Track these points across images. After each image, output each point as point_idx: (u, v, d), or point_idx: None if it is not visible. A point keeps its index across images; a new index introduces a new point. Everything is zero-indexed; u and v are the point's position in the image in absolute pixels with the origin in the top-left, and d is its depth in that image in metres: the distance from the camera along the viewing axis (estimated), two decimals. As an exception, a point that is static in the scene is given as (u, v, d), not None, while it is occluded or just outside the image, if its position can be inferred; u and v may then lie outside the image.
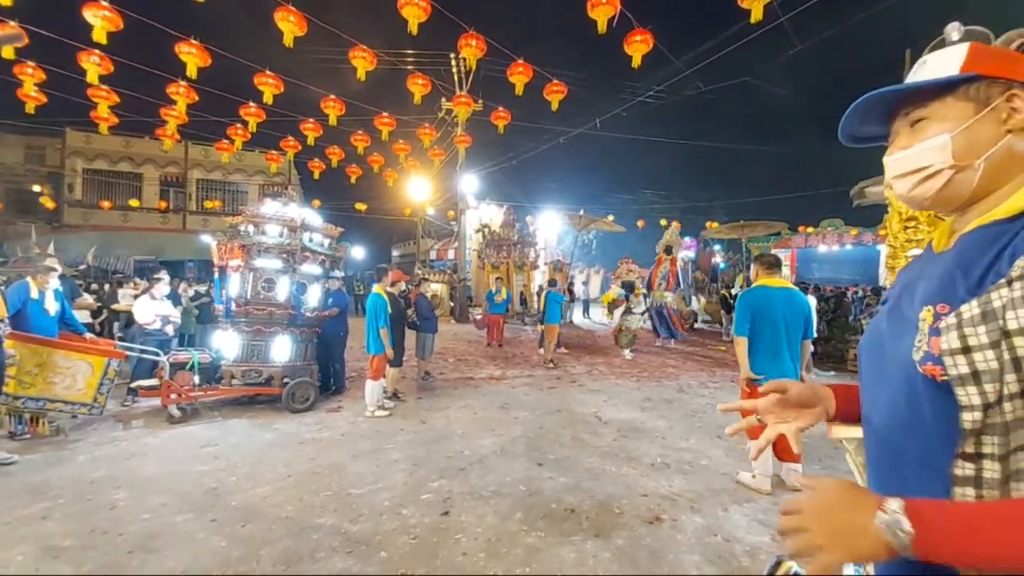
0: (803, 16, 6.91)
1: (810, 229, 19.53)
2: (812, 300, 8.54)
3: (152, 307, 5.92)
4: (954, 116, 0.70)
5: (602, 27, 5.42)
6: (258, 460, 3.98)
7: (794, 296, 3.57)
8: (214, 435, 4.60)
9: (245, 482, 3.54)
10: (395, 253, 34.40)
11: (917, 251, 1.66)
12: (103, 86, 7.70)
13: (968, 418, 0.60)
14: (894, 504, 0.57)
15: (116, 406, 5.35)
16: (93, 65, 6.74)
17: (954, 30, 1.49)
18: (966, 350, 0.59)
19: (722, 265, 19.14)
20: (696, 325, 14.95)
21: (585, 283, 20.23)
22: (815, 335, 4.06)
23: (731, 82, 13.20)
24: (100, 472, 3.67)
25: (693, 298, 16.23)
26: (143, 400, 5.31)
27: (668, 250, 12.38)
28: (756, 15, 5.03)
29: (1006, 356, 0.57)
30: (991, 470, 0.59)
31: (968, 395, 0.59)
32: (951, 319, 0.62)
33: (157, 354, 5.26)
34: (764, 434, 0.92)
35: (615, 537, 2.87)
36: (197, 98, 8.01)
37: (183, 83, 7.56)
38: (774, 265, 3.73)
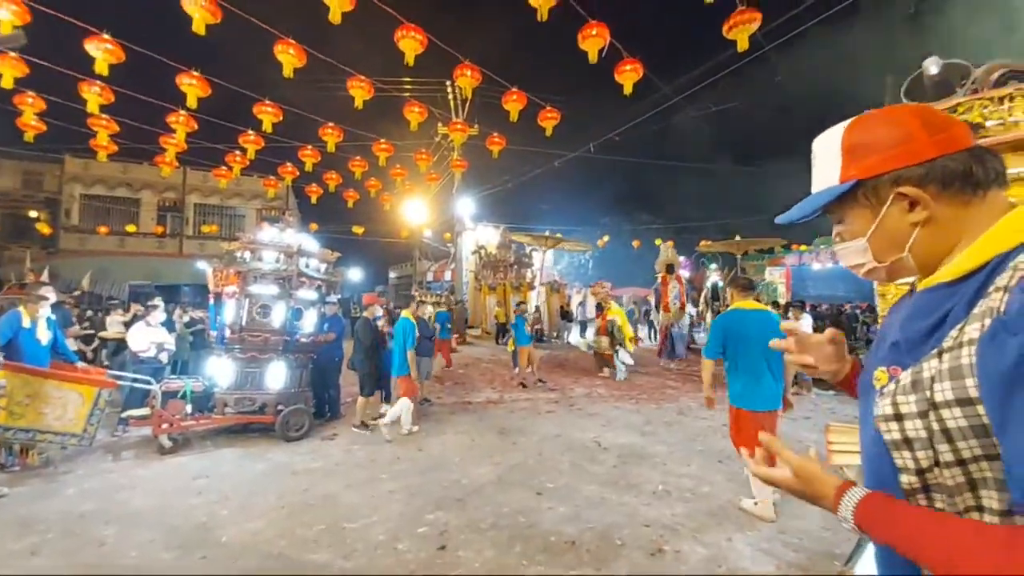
0: (786, 44, 7.17)
1: (804, 247, 19.73)
2: (807, 318, 8.57)
3: (147, 334, 5.87)
4: (859, 222, 0.72)
5: (593, 58, 5.59)
6: (250, 492, 3.88)
7: (768, 318, 3.66)
8: (205, 466, 4.50)
9: (237, 515, 3.44)
10: (392, 275, 34.48)
11: (910, 279, 1.67)
12: (103, 115, 7.82)
13: (904, 479, 0.62)
14: (847, 511, 0.64)
15: (106, 436, 5.24)
16: (94, 95, 6.87)
17: (932, 63, 1.54)
18: (898, 417, 0.61)
19: (720, 283, 19.24)
20: (692, 345, 14.90)
21: (582, 303, 20.23)
22: None
23: (721, 107, 13.55)
24: (89, 505, 3.58)
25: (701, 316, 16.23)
26: (133, 430, 5.21)
27: (670, 269, 12.26)
28: (742, 45, 5.21)
29: (935, 427, 0.57)
30: None
31: (903, 459, 0.61)
32: (891, 385, 0.63)
33: (149, 382, 5.19)
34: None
35: (617, 569, 2.80)
36: (196, 127, 8.15)
37: (183, 112, 7.71)
38: (748, 288, 3.82)
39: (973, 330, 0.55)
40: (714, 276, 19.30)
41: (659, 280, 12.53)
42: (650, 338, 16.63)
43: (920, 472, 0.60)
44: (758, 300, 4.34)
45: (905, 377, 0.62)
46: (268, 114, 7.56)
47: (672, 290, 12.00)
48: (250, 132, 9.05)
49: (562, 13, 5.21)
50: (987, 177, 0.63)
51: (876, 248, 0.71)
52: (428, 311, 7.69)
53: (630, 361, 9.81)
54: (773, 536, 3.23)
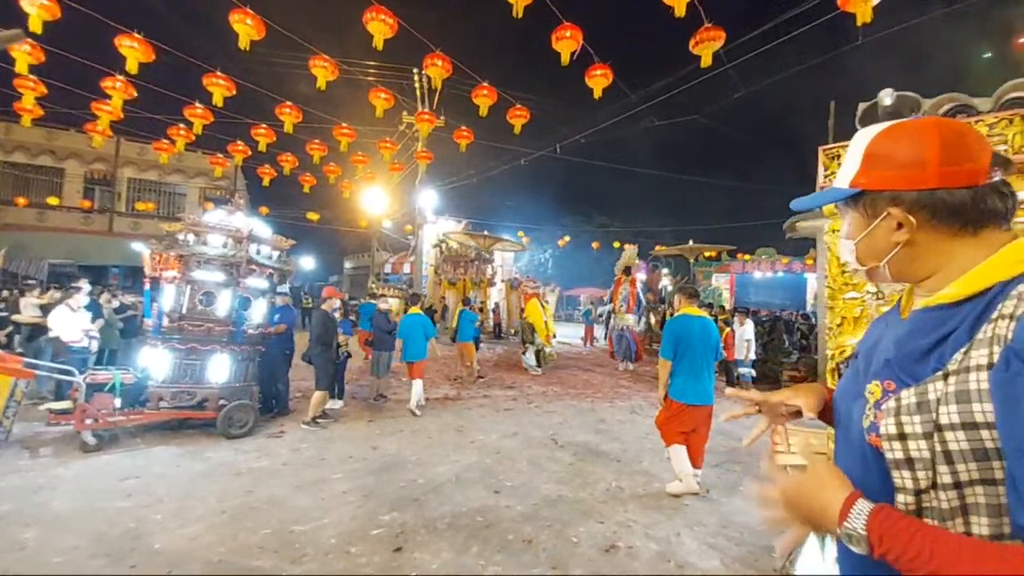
0: (746, 65, 7.55)
1: (747, 256, 20.94)
2: (749, 324, 9.08)
3: (74, 320, 5.32)
4: (855, 225, 0.77)
5: (565, 60, 5.62)
6: (187, 494, 3.61)
7: (708, 324, 4.11)
8: (136, 465, 4.14)
9: (171, 520, 3.19)
10: (347, 265, 33.31)
11: (855, 294, 1.80)
12: (31, 76, 6.98)
13: (901, 500, 0.63)
14: (858, 522, 0.60)
15: (24, 431, 4.70)
16: (23, 54, 6.11)
17: (887, 95, 1.64)
18: (901, 436, 0.61)
19: (670, 288, 20.04)
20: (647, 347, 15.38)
21: (546, 302, 20.37)
22: (722, 356, 4.78)
23: (681, 119, 14.08)
24: (6, 506, 3.24)
25: (642, 319, 16.60)
26: (52, 425, 4.70)
27: (627, 271, 12.33)
28: (706, 61, 5.42)
29: (938, 448, 0.58)
30: None
31: (902, 479, 0.62)
32: (892, 403, 0.64)
33: (71, 373, 4.71)
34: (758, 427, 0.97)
35: (573, 567, 2.84)
36: (136, 94, 7.43)
37: (121, 78, 7.00)
38: (694, 296, 4.29)
39: (980, 356, 0.57)
40: (665, 280, 20.10)
41: (615, 282, 12.67)
42: (605, 338, 17.02)
43: (918, 493, 0.61)
44: (708, 306, 4.70)
45: (908, 397, 0.62)
46: (219, 87, 7.02)
47: (621, 292, 12.01)
48: (197, 105, 8.38)
49: (537, 12, 5.20)
50: (981, 217, 0.66)
51: (860, 253, 0.77)
52: (391, 304, 7.49)
53: (532, 362, 10.09)
54: (718, 531, 3.40)
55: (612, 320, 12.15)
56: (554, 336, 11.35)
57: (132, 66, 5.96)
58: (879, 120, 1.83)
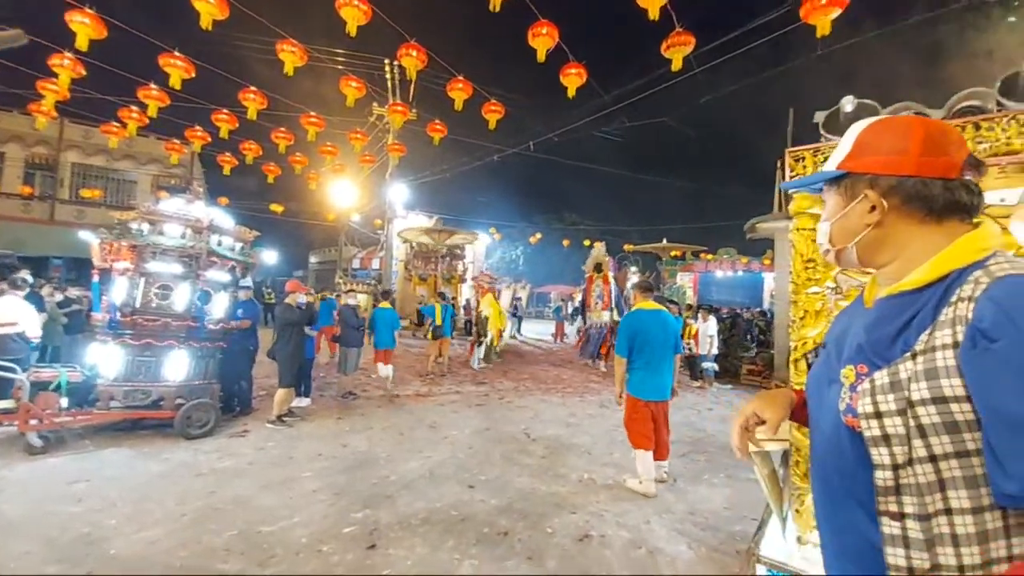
0: (712, 70, 7.81)
1: (710, 256, 21.72)
2: (712, 321, 9.46)
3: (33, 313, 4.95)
4: (833, 206, 0.83)
5: (541, 56, 5.64)
6: (143, 497, 3.43)
7: (665, 317, 4.05)
8: (86, 468, 3.89)
9: (127, 525, 3.02)
10: (313, 259, 32.29)
11: (816, 289, 1.92)
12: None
13: (880, 476, 0.67)
14: None
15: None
16: None
17: (848, 102, 1.75)
18: (878, 415, 0.66)
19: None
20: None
21: (518, 299, 20.34)
22: (683, 350, 4.58)
23: (650, 121, 14.41)
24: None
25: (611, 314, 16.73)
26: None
27: (598, 268, 12.20)
28: (676, 64, 5.57)
29: (911, 423, 0.63)
30: (915, 530, 0.64)
31: (880, 455, 0.66)
32: (866, 384, 0.69)
33: (13, 370, 4.36)
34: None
35: (548, 558, 2.89)
36: (85, 73, 6.91)
37: (69, 55, 6.49)
38: (648, 290, 4.23)
39: (944, 336, 0.63)
40: (634, 278, 20.56)
41: (586, 279, 12.62)
42: (577, 334, 17.24)
43: (895, 468, 0.65)
44: (664, 302, 4.72)
45: (882, 377, 0.67)
46: (177, 68, 6.61)
47: (595, 290, 11.91)
48: (152, 86, 7.88)
49: (514, 7, 5.19)
50: (948, 208, 0.72)
51: (833, 233, 0.82)
52: (359, 300, 7.34)
53: (478, 359, 10.21)
54: (685, 517, 3.54)
55: (586, 319, 12.03)
56: (502, 331, 11.48)
57: (82, 43, 5.53)
58: (841, 126, 1.95)
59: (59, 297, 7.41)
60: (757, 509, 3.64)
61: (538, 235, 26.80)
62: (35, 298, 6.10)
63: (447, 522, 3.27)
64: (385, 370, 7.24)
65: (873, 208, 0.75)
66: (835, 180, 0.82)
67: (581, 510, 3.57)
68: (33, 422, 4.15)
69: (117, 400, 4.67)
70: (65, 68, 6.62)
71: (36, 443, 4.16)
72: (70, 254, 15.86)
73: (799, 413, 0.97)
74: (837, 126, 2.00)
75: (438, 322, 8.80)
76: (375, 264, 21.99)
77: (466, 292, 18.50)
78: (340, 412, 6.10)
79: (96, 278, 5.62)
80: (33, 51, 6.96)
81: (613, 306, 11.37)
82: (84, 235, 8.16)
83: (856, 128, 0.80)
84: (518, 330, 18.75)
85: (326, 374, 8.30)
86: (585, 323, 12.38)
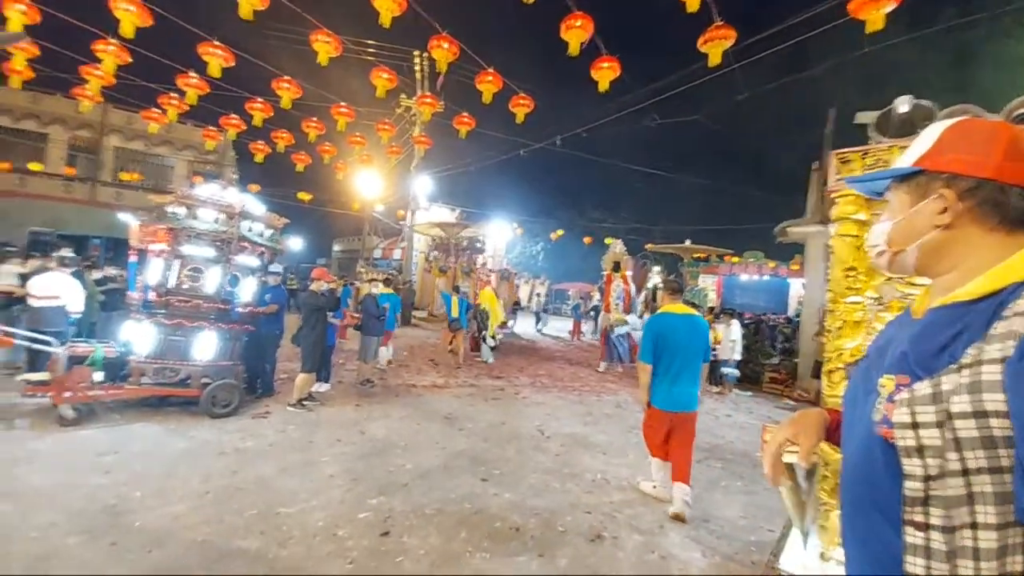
0: (748, 67, 7.56)
1: (735, 259, 21.19)
2: (736, 325, 9.22)
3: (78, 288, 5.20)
4: (900, 205, 0.79)
5: (574, 49, 5.55)
6: (169, 473, 3.55)
7: (696, 323, 3.70)
8: (115, 441, 4.05)
9: (152, 499, 3.13)
10: (336, 248, 32.89)
11: (856, 299, 1.83)
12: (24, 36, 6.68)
13: (910, 486, 0.65)
14: None
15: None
16: (17, 13, 5.81)
17: (903, 103, 1.64)
18: (914, 425, 0.64)
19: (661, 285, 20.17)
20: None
21: (538, 294, 20.23)
22: (711, 359, 4.16)
23: (682, 120, 14.06)
24: (-22, 479, 3.13)
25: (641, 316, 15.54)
26: (28, 396, 4.58)
27: (616, 267, 11.84)
28: (714, 59, 5.39)
29: (948, 436, 0.61)
30: (938, 542, 0.63)
31: (912, 465, 0.65)
32: (905, 394, 0.66)
33: (49, 343, 4.57)
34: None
35: (559, 556, 2.87)
36: (129, 60, 7.14)
37: (114, 41, 6.71)
38: (677, 291, 3.86)
39: (994, 350, 0.60)
40: (656, 278, 20.23)
41: (604, 278, 12.19)
42: (594, 333, 17.10)
43: (927, 479, 0.63)
44: (694, 305, 4.42)
45: (922, 388, 0.65)
46: (217, 57, 6.76)
47: (615, 289, 11.46)
48: (192, 74, 8.10)
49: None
50: (1020, 218, 0.69)
51: (895, 233, 0.79)
52: (381, 288, 7.43)
53: (492, 343, 10.23)
54: (699, 524, 3.47)
55: (601, 320, 11.72)
56: (500, 326, 11.51)
57: (127, 30, 5.70)
58: (894, 127, 1.84)
59: (97, 275, 7.72)
60: (775, 520, 3.56)
61: (560, 231, 26.60)
62: (78, 275, 6.36)
63: (460, 514, 3.28)
64: (385, 352, 7.71)
65: (944, 210, 0.72)
66: (906, 178, 0.78)
67: (595, 510, 3.53)
68: (67, 395, 4.34)
69: (148, 377, 4.84)
70: (109, 54, 6.85)
71: (69, 415, 4.34)
72: (109, 234, 16.55)
73: (833, 435, 0.94)
74: (889, 126, 1.90)
75: (454, 314, 8.95)
76: (396, 254, 22.25)
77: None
78: (358, 399, 6.20)
79: (133, 258, 5.84)
80: (79, 36, 7.25)
81: (634, 307, 11.11)
82: (123, 216, 8.49)
83: (939, 126, 0.77)
84: (541, 327, 18.64)
85: (346, 360, 8.45)
86: (600, 323, 12.12)
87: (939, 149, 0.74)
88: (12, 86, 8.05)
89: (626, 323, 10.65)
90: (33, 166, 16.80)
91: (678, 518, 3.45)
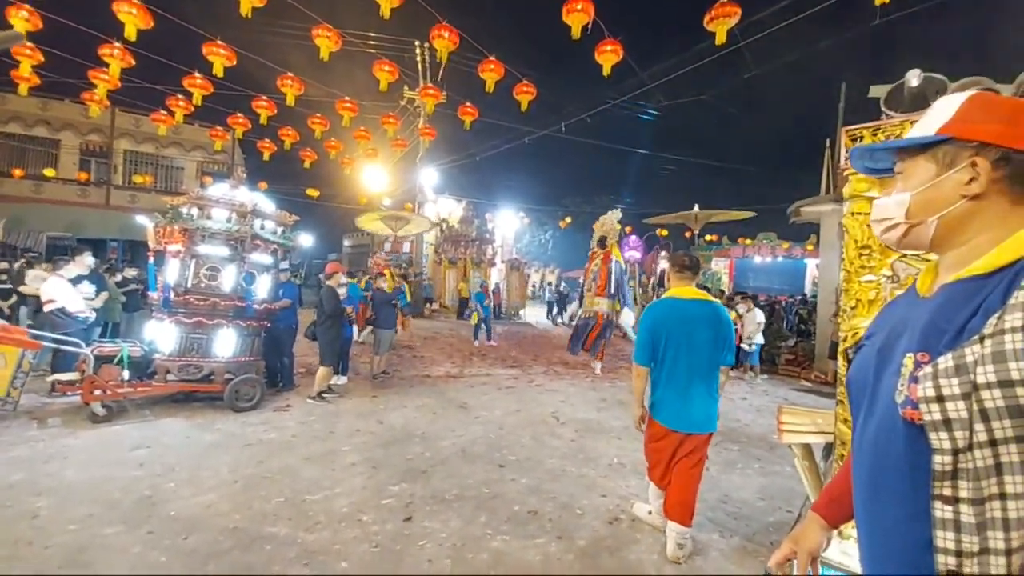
0: (755, 45, 7.39)
1: (748, 241, 20.86)
2: (757, 312, 9.00)
3: (72, 290, 5.31)
4: (919, 176, 0.77)
5: (576, 33, 5.48)
6: (198, 464, 3.68)
7: (714, 311, 2.75)
8: (146, 436, 4.21)
9: (184, 489, 3.26)
10: (346, 243, 33.07)
11: (871, 277, 1.82)
12: (28, 43, 6.79)
13: (939, 460, 0.65)
14: None
15: (30, 401, 4.75)
16: (21, 20, 5.91)
17: (914, 76, 1.62)
18: (940, 399, 0.64)
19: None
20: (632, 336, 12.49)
21: (549, 283, 20.06)
22: (734, 362, 2.92)
23: (690, 99, 13.81)
24: (17, 476, 3.28)
25: (627, 306, 9.63)
26: (58, 396, 4.77)
27: (602, 243, 9.14)
28: (720, 38, 5.29)
29: (975, 407, 0.61)
30: (967, 514, 0.63)
31: (940, 440, 0.64)
32: (928, 369, 0.66)
33: (78, 345, 4.73)
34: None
35: (577, 538, 2.93)
36: (134, 62, 7.23)
37: (119, 45, 6.79)
38: (688, 268, 2.82)
39: (1015, 319, 0.60)
40: (664, 263, 19.87)
41: (588, 257, 9.55)
42: (569, 321, 16.69)
43: (955, 452, 0.64)
44: (706, 289, 3.47)
45: (946, 361, 0.65)
46: (220, 56, 6.81)
47: (592, 269, 9.01)
48: (197, 75, 8.17)
49: (549, -18, 5.04)
50: None
51: (916, 204, 0.77)
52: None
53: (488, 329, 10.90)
54: (716, 506, 3.51)
55: (580, 305, 9.74)
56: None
57: (130, 33, 5.78)
58: (905, 101, 1.81)
59: (118, 277, 7.93)
60: (793, 502, 3.58)
61: (568, 219, 26.46)
62: (97, 278, 6.54)
63: (479, 498, 3.36)
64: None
65: (971, 180, 0.71)
66: (929, 146, 0.76)
67: (611, 494, 3.59)
68: (96, 393, 4.50)
69: (173, 373, 5.00)
70: (115, 58, 6.94)
71: (100, 412, 4.50)
72: (125, 237, 16.89)
73: (833, 517, 1.00)
74: (900, 101, 1.87)
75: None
76: (405, 248, 22.34)
77: (495, 276, 18.59)
78: (375, 391, 6.32)
79: (151, 259, 5.97)
80: (84, 41, 7.34)
81: (613, 292, 8.62)
82: (140, 219, 8.65)
83: (957, 97, 0.76)
84: (555, 316, 18.39)
85: (359, 354, 8.58)
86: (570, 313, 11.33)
87: (966, 118, 0.73)
88: (20, 93, 8.17)
89: (596, 306, 8.66)
90: (47, 172, 17.13)
91: (675, 561, 2.71)
